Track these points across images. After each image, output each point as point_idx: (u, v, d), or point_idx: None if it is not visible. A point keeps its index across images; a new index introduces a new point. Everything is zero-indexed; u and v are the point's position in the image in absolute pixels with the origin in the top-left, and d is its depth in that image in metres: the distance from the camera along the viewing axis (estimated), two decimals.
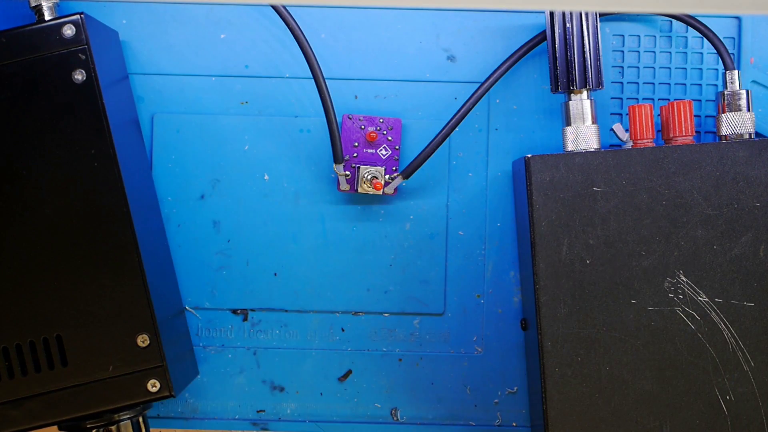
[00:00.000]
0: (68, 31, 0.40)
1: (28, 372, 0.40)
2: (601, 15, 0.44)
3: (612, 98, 0.46)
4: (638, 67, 0.46)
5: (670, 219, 0.40)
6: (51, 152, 0.40)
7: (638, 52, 0.46)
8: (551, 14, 0.42)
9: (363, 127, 0.45)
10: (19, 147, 0.40)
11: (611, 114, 0.46)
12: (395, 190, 0.45)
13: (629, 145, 0.43)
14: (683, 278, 0.40)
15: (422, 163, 0.44)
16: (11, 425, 0.40)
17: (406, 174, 0.45)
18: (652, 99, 0.46)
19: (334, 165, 0.44)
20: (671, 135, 0.42)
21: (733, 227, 0.40)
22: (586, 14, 0.41)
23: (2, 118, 0.40)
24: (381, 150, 0.45)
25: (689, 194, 0.40)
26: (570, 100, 0.42)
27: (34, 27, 0.40)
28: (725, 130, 0.42)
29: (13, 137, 0.40)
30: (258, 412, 0.47)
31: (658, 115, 0.44)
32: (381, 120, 0.45)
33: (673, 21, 0.46)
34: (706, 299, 0.40)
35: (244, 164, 0.46)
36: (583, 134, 0.42)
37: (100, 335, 0.40)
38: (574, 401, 0.40)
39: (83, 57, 0.40)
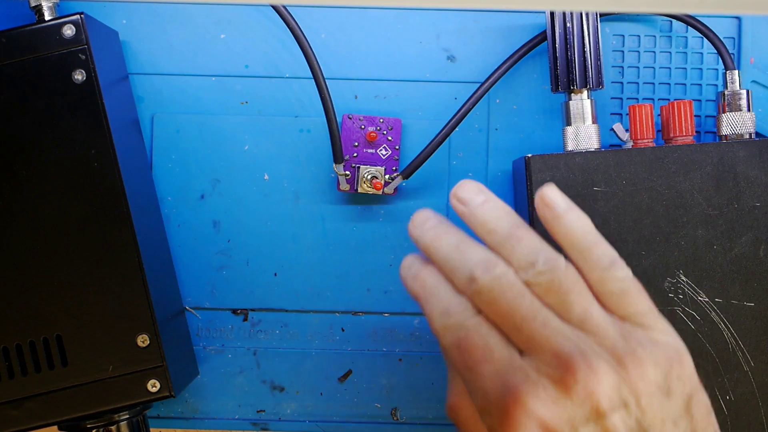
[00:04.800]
0: (68, 31, 0.40)
1: (28, 372, 0.40)
2: (601, 15, 0.44)
3: (612, 98, 0.46)
4: (638, 67, 0.46)
5: (670, 219, 0.40)
6: (51, 152, 0.40)
7: (638, 52, 0.46)
8: (551, 14, 0.42)
9: (363, 127, 0.45)
10: (19, 147, 0.40)
11: (611, 114, 0.46)
12: (395, 190, 0.45)
13: (629, 145, 0.43)
14: (683, 278, 0.40)
15: (422, 163, 0.44)
16: (11, 425, 0.40)
17: (406, 174, 0.45)
18: (652, 99, 0.46)
19: (334, 165, 0.44)
20: (671, 135, 0.42)
21: (733, 227, 0.40)
22: (587, 14, 0.41)
23: (2, 118, 0.40)
24: (381, 150, 0.45)
25: (689, 194, 0.40)
26: (570, 99, 0.42)
27: (34, 27, 0.40)
28: (725, 130, 0.42)
29: (13, 137, 0.40)
30: (258, 412, 0.47)
31: (658, 115, 0.44)
32: (381, 120, 0.45)
33: (673, 21, 0.46)
34: (706, 299, 0.40)
35: (244, 164, 0.46)
36: (583, 134, 0.42)
37: (100, 335, 0.40)
38: None
39: (83, 57, 0.40)
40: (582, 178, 0.40)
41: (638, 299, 0.33)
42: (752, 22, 0.46)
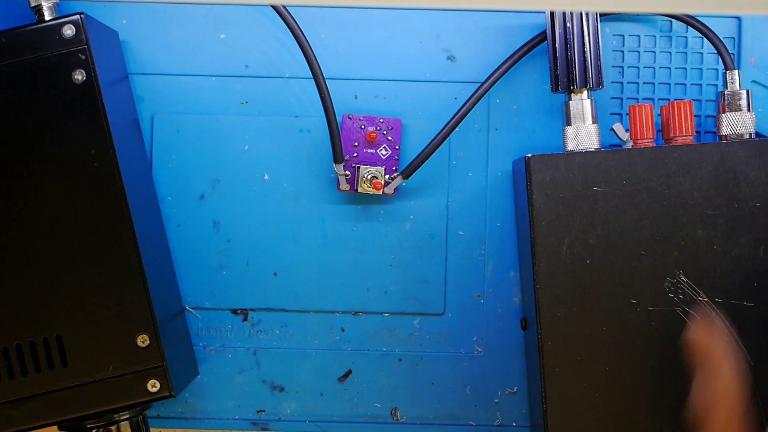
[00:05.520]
0: (68, 31, 0.40)
1: (28, 372, 0.40)
2: (601, 15, 0.44)
3: (612, 98, 0.46)
4: (638, 67, 0.46)
5: (670, 219, 0.40)
6: (51, 152, 0.40)
7: (638, 52, 0.46)
8: (551, 14, 0.42)
9: (363, 127, 0.45)
10: (19, 147, 0.40)
11: (611, 114, 0.46)
12: (395, 190, 0.45)
13: (629, 145, 0.43)
14: (683, 278, 0.40)
15: (422, 163, 0.44)
16: (11, 425, 0.40)
17: (406, 174, 0.45)
18: (652, 99, 0.46)
19: (334, 165, 0.44)
20: (671, 135, 0.42)
21: (733, 227, 0.40)
22: (587, 14, 0.41)
23: (2, 118, 0.40)
24: (381, 150, 0.45)
25: (689, 194, 0.40)
26: (570, 99, 0.42)
27: (34, 27, 0.40)
28: (725, 130, 0.42)
29: (13, 137, 0.40)
30: (258, 412, 0.47)
31: (658, 115, 0.44)
32: (381, 120, 0.45)
33: (673, 21, 0.46)
34: (706, 299, 0.40)
35: (244, 164, 0.46)
36: (583, 134, 0.42)
37: (100, 335, 0.40)
38: (574, 401, 0.40)
39: (83, 57, 0.40)
40: (582, 178, 0.40)
41: None
42: (752, 22, 0.46)
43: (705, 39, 0.44)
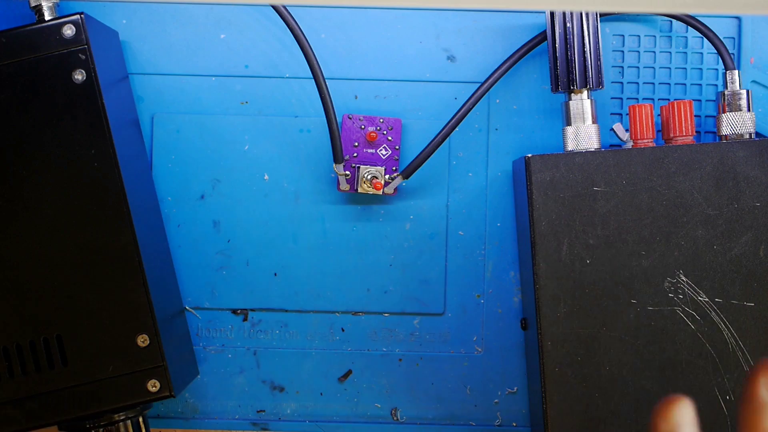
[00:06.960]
0: (68, 31, 0.40)
1: (28, 372, 0.40)
2: (601, 15, 0.44)
3: (612, 98, 0.46)
4: (638, 67, 0.46)
5: (670, 219, 0.40)
6: (51, 152, 0.40)
7: (638, 52, 0.46)
8: (551, 14, 0.42)
9: (363, 127, 0.45)
10: (19, 147, 0.40)
11: (611, 114, 0.46)
12: (395, 190, 0.45)
13: (629, 145, 0.43)
14: (683, 278, 0.40)
15: (422, 163, 0.44)
16: (11, 425, 0.40)
17: (406, 174, 0.45)
18: (652, 99, 0.46)
19: (334, 165, 0.44)
20: (671, 135, 0.42)
21: (733, 227, 0.40)
22: (587, 14, 0.42)
23: (2, 118, 0.40)
24: (381, 150, 0.45)
25: (689, 194, 0.40)
26: (570, 99, 0.42)
27: (34, 27, 0.40)
28: (725, 130, 0.42)
29: (13, 137, 0.40)
30: (258, 412, 0.47)
31: (658, 115, 0.44)
32: (381, 120, 0.45)
33: (673, 21, 0.46)
34: (706, 299, 0.40)
35: (244, 164, 0.46)
36: (583, 134, 0.42)
37: (100, 335, 0.40)
38: (574, 401, 0.40)
39: (83, 57, 0.40)
40: (582, 178, 0.40)
41: None
42: (752, 22, 0.46)
43: (705, 39, 0.44)
